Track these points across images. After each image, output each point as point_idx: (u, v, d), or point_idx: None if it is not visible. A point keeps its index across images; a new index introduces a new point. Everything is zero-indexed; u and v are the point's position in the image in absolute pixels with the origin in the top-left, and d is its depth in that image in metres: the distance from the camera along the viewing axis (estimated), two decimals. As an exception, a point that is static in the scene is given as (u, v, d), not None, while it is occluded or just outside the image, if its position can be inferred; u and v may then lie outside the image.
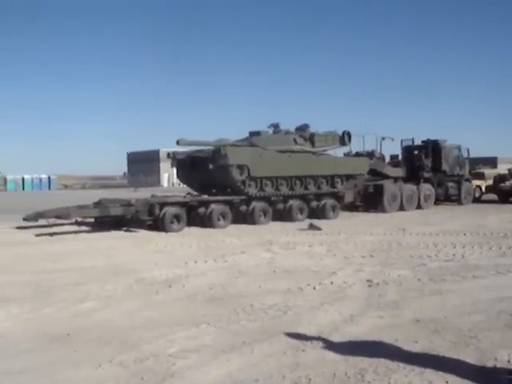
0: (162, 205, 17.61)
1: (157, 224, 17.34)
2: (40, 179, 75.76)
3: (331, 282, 8.90)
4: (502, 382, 4.70)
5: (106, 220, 17.80)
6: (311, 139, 22.17)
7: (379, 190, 24.18)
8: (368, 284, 8.72)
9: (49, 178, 76.95)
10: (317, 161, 21.78)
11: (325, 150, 23.14)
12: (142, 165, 79.89)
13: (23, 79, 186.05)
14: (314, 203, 21.32)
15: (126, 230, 17.14)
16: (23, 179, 75.19)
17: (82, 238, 15.79)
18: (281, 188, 20.48)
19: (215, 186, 20.37)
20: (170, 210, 17.46)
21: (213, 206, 18.42)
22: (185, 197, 19.62)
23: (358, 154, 25.77)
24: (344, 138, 23.30)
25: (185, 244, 14.04)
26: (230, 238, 15.24)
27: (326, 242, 13.94)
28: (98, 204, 18.16)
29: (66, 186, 75.71)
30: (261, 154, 19.84)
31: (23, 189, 71.31)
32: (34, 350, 5.78)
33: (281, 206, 20.42)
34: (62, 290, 8.62)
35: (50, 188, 72.32)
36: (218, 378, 4.86)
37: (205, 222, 18.25)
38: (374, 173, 25.32)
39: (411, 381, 4.68)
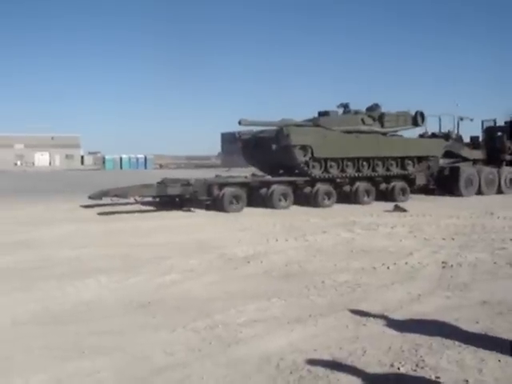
0: (221, 185, 17.83)
1: (215, 204, 17.59)
2: (137, 159, 79.20)
3: (406, 263, 9.02)
4: None
5: (168, 199, 18.10)
6: (380, 119, 21.35)
7: (455, 173, 23.10)
8: (442, 265, 8.78)
9: (145, 157, 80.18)
10: (386, 142, 21.13)
11: (396, 131, 22.37)
12: (236, 145, 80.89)
13: (128, 63, 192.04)
14: (383, 185, 20.87)
15: (185, 210, 17.51)
16: (121, 159, 78.91)
17: (164, 216, 16.55)
18: (347, 170, 20.07)
19: (279, 167, 20.28)
20: (230, 191, 17.58)
21: (274, 186, 18.40)
22: (246, 177, 19.61)
23: (434, 135, 24.60)
24: (417, 119, 22.29)
25: (269, 223, 14.44)
26: (314, 218, 15.49)
27: (410, 223, 13.92)
28: (160, 183, 18.36)
29: (161, 166, 78.23)
30: (325, 134, 19.48)
31: (121, 168, 74.66)
32: (119, 315, 6.37)
33: (347, 188, 20.05)
34: (148, 262, 9.26)
35: (146, 167, 75.28)
36: (280, 346, 5.21)
37: (266, 202, 18.26)
38: (451, 155, 24.35)
39: (463, 357, 4.84)
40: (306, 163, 19.14)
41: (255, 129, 21.05)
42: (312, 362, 4.75)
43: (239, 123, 18.91)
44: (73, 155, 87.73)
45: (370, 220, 14.80)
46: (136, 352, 5.11)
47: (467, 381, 4.36)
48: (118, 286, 7.80)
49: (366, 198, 19.98)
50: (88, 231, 13.34)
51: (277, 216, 16.18)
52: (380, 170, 20.90)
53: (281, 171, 20.28)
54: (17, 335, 5.67)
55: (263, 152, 19.62)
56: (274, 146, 18.80)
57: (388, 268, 8.70)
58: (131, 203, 18.78)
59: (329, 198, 19.30)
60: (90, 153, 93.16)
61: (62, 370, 4.69)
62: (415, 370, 4.57)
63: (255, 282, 7.98)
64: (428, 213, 16.26)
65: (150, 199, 19.16)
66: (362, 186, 20.04)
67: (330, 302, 6.80)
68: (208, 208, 17.68)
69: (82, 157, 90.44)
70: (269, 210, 17.73)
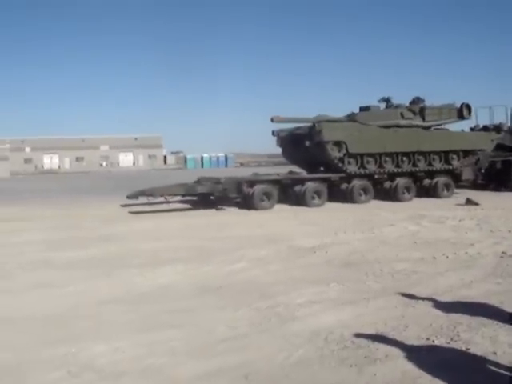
0: (252, 183, 18.02)
1: (246, 201, 17.79)
2: (217, 157, 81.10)
3: (466, 253, 9.36)
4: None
5: (203, 198, 18.17)
6: (421, 113, 20.71)
7: (508, 167, 22.12)
8: (501, 256, 9.06)
9: (225, 156, 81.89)
10: (427, 136, 20.50)
11: (439, 125, 21.58)
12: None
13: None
14: (426, 181, 20.27)
15: (219, 208, 17.73)
16: (202, 158, 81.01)
17: (234, 212, 17.37)
18: (385, 165, 19.68)
19: (315, 164, 20.05)
20: (260, 188, 17.70)
21: (308, 183, 18.35)
22: (278, 175, 19.46)
23: (485, 128, 23.37)
24: (462, 111, 21.38)
25: (341, 218, 14.93)
26: (385, 212, 15.86)
27: (478, 216, 14.09)
28: (197, 182, 18.47)
29: (241, 164, 79.69)
30: (360, 129, 19.14)
31: (202, 166, 76.60)
32: (191, 297, 7.13)
33: (386, 184, 19.66)
34: (220, 253, 10.03)
35: (226, 165, 76.87)
36: (330, 322, 5.80)
37: (299, 199, 18.20)
38: (503, 148, 23.02)
39: (497, 334, 5.27)
40: (341, 159, 18.89)
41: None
42: (357, 335, 5.32)
43: (271, 120, 18.88)
44: (155, 155, 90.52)
45: (439, 213, 15.01)
46: (203, 326, 5.85)
47: (495, 352, 4.81)
48: (192, 273, 8.60)
49: (405, 195, 19.51)
50: (164, 226, 14.34)
51: (347, 210, 16.65)
52: (421, 165, 20.36)
53: (321, 168, 20.11)
54: (101, 312, 6.53)
55: (299, 149, 19.50)
56: (307, 143, 18.65)
57: (447, 257, 9.08)
58: (172, 201, 18.70)
59: (366, 194, 19.04)
60: (172, 152, 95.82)
61: (139, 339, 5.47)
62: (448, 343, 5.06)
63: (318, 269, 8.58)
64: (500, 206, 16.27)
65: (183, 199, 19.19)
66: (401, 181, 19.57)
67: (385, 287, 7.31)
68: (240, 206, 17.95)
69: (165, 156, 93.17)
70: (344, 205, 18.28)
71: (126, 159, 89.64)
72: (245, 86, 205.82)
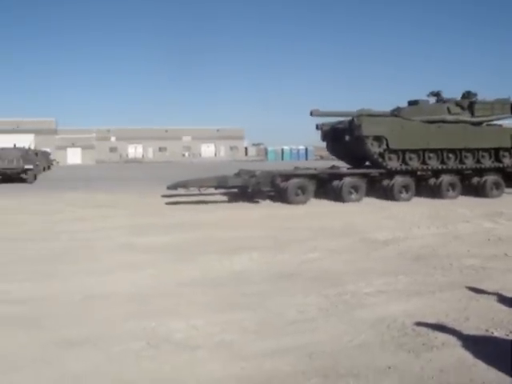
0: (287, 176, 17.85)
1: (280, 195, 17.69)
2: (298, 150, 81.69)
3: (540, 251, 9.36)
4: None
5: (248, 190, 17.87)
6: (470, 108, 19.80)
7: None
8: None
9: (306, 149, 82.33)
10: (476, 132, 19.55)
11: (490, 120, 20.42)
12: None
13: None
14: (474, 179, 19.40)
15: (255, 201, 17.77)
16: (282, 150, 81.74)
17: (312, 204, 17.67)
18: (429, 162, 18.95)
19: (356, 158, 19.68)
20: (294, 182, 17.55)
21: (346, 178, 18.06)
22: (315, 169, 19.18)
23: None
24: None
25: (416, 213, 15.00)
26: (462, 208, 15.78)
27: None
28: (237, 174, 18.46)
29: (321, 157, 79.60)
30: (402, 124, 18.54)
31: (282, 159, 77.24)
32: (264, 283, 7.57)
33: (431, 181, 18.99)
34: (295, 243, 10.44)
35: (306, 158, 77.20)
36: (394, 312, 6.09)
37: (337, 194, 17.95)
38: None
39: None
40: (381, 155, 18.43)
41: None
42: (418, 324, 5.60)
43: (311, 114, 18.60)
44: (237, 147, 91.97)
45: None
46: (274, 309, 6.28)
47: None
48: (267, 260, 9.05)
49: (450, 192, 18.82)
50: (241, 216, 14.86)
51: (424, 206, 16.67)
52: (469, 163, 19.49)
53: (366, 163, 19.69)
54: (179, 292, 7.08)
55: (340, 143, 19.31)
56: (347, 137, 18.40)
57: (520, 255, 9.12)
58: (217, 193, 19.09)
59: (407, 192, 18.48)
60: (253, 144, 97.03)
61: (214, 318, 5.96)
62: (507, 335, 5.27)
63: (388, 261, 8.84)
64: None
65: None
66: (446, 179, 18.87)
67: (452, 281, 7.50)
68: (273, 200, 17.95)
69: (246, 148, 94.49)
70: (422, 200, 18.21)
71: (207, 150, 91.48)
72: (327, 80, 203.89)
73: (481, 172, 19.62)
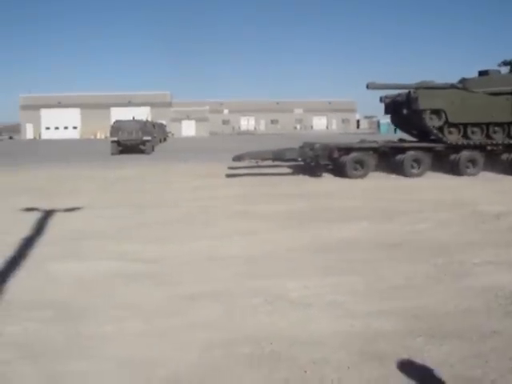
0: (346, 150, 17.32)
1: (338, 169, 17.18)
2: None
3: None
4: None
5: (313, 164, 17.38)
6: None
7: None
8: None
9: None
10: None
11: None
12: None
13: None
14: None
15: (317, 176, 17.17)
16: (395, 123, 79.84)
17: (427, 176, 17.32)
18: (494, 136, 17.61)
19: (419, 132, 18.78)
20: (352, 156, 17.03)
21: (410, 152, 17.28)
22: (376, 142, 18.31)
23: None
24: None
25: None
26: None
27: None
28: (301, 147, 17.84)
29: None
30: (463, 97, 17.26)
31: (395, 132, 75.59)
32: (373, 251, 7.82)
33: (504, 156, 17.58)
34: (403, 214, 10.55)
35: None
36: (502, 281, 6.19)
37: (398, 168, 17.25)
38: None
39: None
40: (440, 128, 17.45)
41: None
42: (526, 293, 5.68)
43: (367, 87, 17.61)
44: (349, 119, 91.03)
45: None
46: (382, 275, 6.54)
47: None
48: (375, 229, 9.28)
49: None
50: (351, 187, 15.02)
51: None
52: None
53: (432, 136, 18.30)
54: (291, 257, 7.50)
55: (400, 116, 18.66)
56: (404, 111, 17.76)
57: None
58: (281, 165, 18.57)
59: (473, 167, 17.36)
60: (365, 117, 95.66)
61: (324, 281, 6.33)
62: None
63: (498, 234, 8.81)
64: None
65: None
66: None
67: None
68: (331, 172, 17.53)
69: (358, 121, 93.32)
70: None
71: (319, 122, 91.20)
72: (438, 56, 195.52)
73: None
